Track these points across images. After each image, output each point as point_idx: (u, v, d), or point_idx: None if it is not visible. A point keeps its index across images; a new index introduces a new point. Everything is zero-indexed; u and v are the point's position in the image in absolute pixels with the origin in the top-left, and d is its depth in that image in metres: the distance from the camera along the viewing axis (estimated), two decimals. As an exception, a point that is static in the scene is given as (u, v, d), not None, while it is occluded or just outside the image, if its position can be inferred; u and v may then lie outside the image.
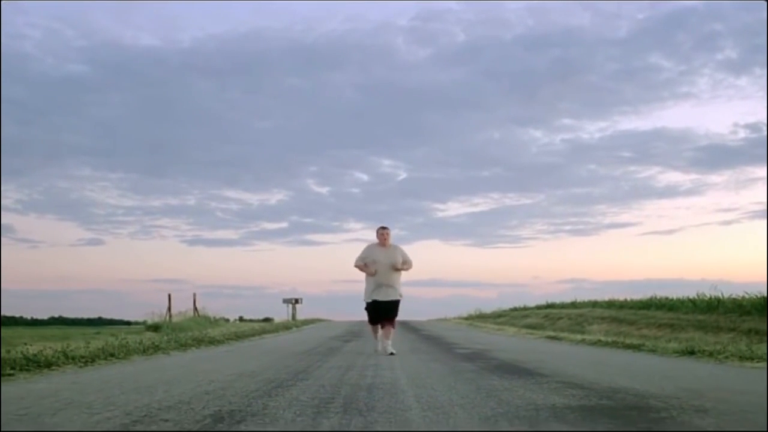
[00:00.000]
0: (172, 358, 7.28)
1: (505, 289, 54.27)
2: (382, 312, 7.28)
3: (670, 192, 48.89)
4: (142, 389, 3.80)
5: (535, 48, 45.36)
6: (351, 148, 52.29)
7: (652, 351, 7.70)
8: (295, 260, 54.52)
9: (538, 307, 24.92)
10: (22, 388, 4.06)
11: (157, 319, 17.85)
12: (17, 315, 53.54)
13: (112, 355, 7.06)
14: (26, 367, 5.46)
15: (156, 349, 8.15)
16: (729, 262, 45.48)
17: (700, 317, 14.21)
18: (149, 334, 14.18)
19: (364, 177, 50.22)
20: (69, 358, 6.28)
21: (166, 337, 10.19)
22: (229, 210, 53.75)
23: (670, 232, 51.30)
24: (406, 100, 48.28)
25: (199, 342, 9.83)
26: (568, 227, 53.30)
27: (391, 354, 7.05)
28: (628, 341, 9.22)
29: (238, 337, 11.48)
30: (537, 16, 44.79)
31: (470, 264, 54.77)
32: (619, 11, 44.48)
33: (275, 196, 56.46)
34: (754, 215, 44.44)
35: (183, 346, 9.03)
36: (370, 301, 7.37)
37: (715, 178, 53.16)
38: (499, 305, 29.14)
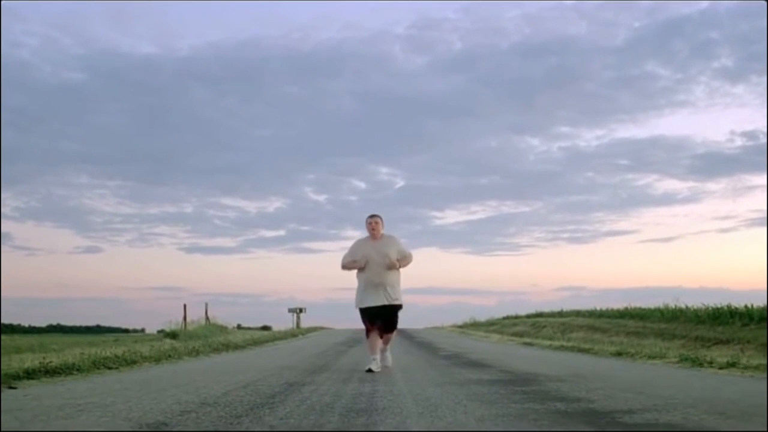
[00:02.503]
0: (215, 358, 9.67)
1: (504, 296, 56.68)
2: (378, 319, 6.44)
3: (668, 200, 51.33)
4: (226, 374, 6.20)
5: (531, 56, 47.84)
6: (349, 156, 54.67)
7: (595, 353, 10.11)
8: (293, 268, 56.83)
9: (528, 316, 27.42)
10: (149, 373, 6.47)
11: (174, 327, 20.24)
12: (15, 322, 55.63)
13: (169, 356, 9.46)
14: (122, 364, 7.86)
15: (198, 352, 10.55)
16: (727, 270, 47.90)
17: (663, 326, 16.65)
18: (169, 341, 16.56)
19: (362, 185, 52.61)
20: (143, 358, 8.69)
21: (200, 342, 12.61)
22: (227, 218, 56.02)
23: (668, 239, 53.75)
24: (404, 108, 50.70)
25: (227, 347, 12.23)
26: (566, 235, 55.73)
27: (386, 368, 6.49)
28: (583, 346, 11.64)
29: (257, 343, 13.91)
30: (533, 25, 47.29)
31: (468, 271, 57.18)
32: (616, 19, 47.01)
33: (273, 204, 58.75)
34: (751, 223, 46.83)
35: (216, 350, 11.43)
36: (363, 307, 6.47)
37: (712, 185, 55.71)
38: (497, 313, 31.66)
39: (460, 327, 29.76)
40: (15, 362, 7.39)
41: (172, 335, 19.02)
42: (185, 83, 49.26)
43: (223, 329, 22.17)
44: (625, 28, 46.46)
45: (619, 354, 9.36)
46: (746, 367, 6.57)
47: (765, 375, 5.85)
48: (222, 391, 4.57)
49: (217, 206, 57.10)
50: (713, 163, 47.97)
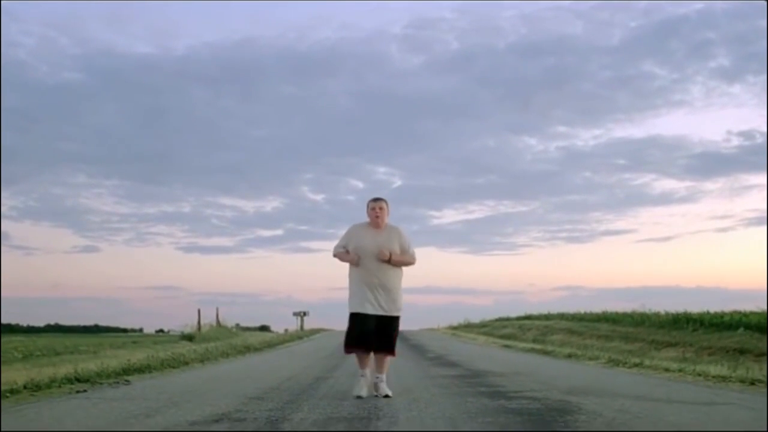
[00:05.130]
0: (245, 360, 12.53)
1: (501, 296, 59.72)
2: (372, 332, 5.73)
3: (665, 199, 54.30)
4: (267, 372, 9.06)
5: (528, 56, 50.72)
6: (346, 156, 57.56)
7: (555, 355, 13.00)
8: (291, 267, 59.78)
9: (518, 318, 30.41)
10: (209, 371, 9.36)
11: (189, 330, 23.16)
12: (13, 322, 58.37)
13: (207, 359, 12.33)
14: (180, 364, 10.73)
15: (227, 355, 13.43)
16: (724, 270, 50.91)
17: (631, 330, 19.62)
18: (185, 343, 19.45)
19: (360, 184, 55.45)
20: (191, 359, 11.58)
21: (224, 344, 15.53)
22: (225, 217, 58.91)
23: (666, 239, 56.76)
24: (401, 108, 53.58)
25: (247, 349, 15.12)
26: (563, 234, 58.73)
27: (386, 396, 5.68)
28: (548, 348, 14.55)
29: (270, 345, 16.83)
30: (530, 24, 50.11)
31: (466, 271, 60.21)
32: (612, 19, 49.79)
33: (270, 204, 61.57)
34: (749, 222, 49.80)
35: (241, 352, 14.31)
36: (356, 312, 5.77)
37: (709, 185, 58.70)
38: (494, 313, 34.72)
39: (454, 328, 32.71)
40: (96, 363, 10.27)
41: (189, 338, 21.98)
42: (182, 83, 52.12)
43: (232, 332, 25.12)
44: (621, 28, 49.33)
45: (569, 356, 12.28)
46: (646, 367, 9.44)
47: (648, 372, 8.76)
48: (277, 382, 7.44)
49: (215, 206, 60.05)
50: (710, 163, 50.95)
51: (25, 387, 6.81)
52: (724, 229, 54.64)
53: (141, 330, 58.01)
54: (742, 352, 13.22)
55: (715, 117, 55.30)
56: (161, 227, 67.59)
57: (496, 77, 52.01)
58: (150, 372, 9.30)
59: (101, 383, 7.65)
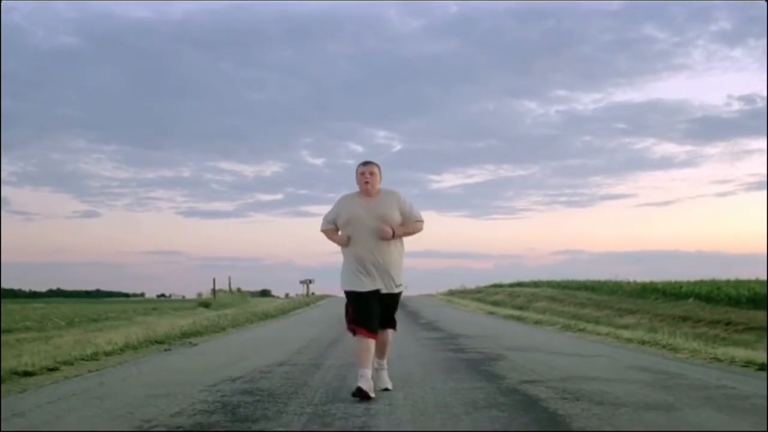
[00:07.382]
0: (267, 326, 15.92)
1: (501, 260, 63.22)
2: (376, 310, 5.39)
3: (666, 163, 57.31)
4: (291, 337, 12.46)
5: (528, 19, 53.16)
6: (345, 120, 60.43)
7: (526, 322, 16.40)
8: (291, 231, 63.13)
9: (510, 285, 33.95)
10: (246, 335, 12.79)
11: (205, 297, 26.65)
12: (15, 287, 61.70)
13: (237, 325, 15.75)
14: (219, 330, 14.12)
15: (250, 321, 16.86)
16: (724, 234, 54.18)
17: (605, 298, 23.06)
18: (204, 311, 22.87)
19: (359, 148, 58.43)
20: (226, 325, 14.98)
21: (244, 310, 18.97)
22: (224, 182, 62.05)
23: (666, 203, 59.94)
24: (400, 72, 56.20)
25: (265, 316, 18.55)
26: (563, 198, 61.96)
27: (386, 390, 5.55)
28: (523, 315, 17.98)
29: (284, 312, 20.29)
30: (530, -12, 52.18)
31: (466, 235, 63.65)
32: (613, -17, 51.87)
33: (270, 168, 64.56)
34: (749, 187, 52.81)
35: (261, 319, 17.73)
36: (350, 290, 5.38)
37: (709, 149, 61.61)
38: (494, 277, 38.11)
39: (451, 294, 36.27)
40: (159, 330, 13.63)
41: (206, 304, 25.46)
42: (180, 47, 54.80)
43: (243, 298, 28.63)
44: (621, -9, 51.46)
45: (536, 323, 15.69)
46: (588, 332, 12.80)
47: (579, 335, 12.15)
48: (305, 342, 10.79)
49: (215, 170, 63.21)
50: (711, 127, 53.84)
51: (127, 346, 10.17)
52: (724, 194, 57.79)
53: (142, 294, 61.62)
54: (684, 319, 16.56)
55: (716, 81, 58.06)
56: (161, 192, 71.03)
57: (495, 41, 54.68)
58: (200, 336, 12.67)
59: (173, 344, 10.97)
